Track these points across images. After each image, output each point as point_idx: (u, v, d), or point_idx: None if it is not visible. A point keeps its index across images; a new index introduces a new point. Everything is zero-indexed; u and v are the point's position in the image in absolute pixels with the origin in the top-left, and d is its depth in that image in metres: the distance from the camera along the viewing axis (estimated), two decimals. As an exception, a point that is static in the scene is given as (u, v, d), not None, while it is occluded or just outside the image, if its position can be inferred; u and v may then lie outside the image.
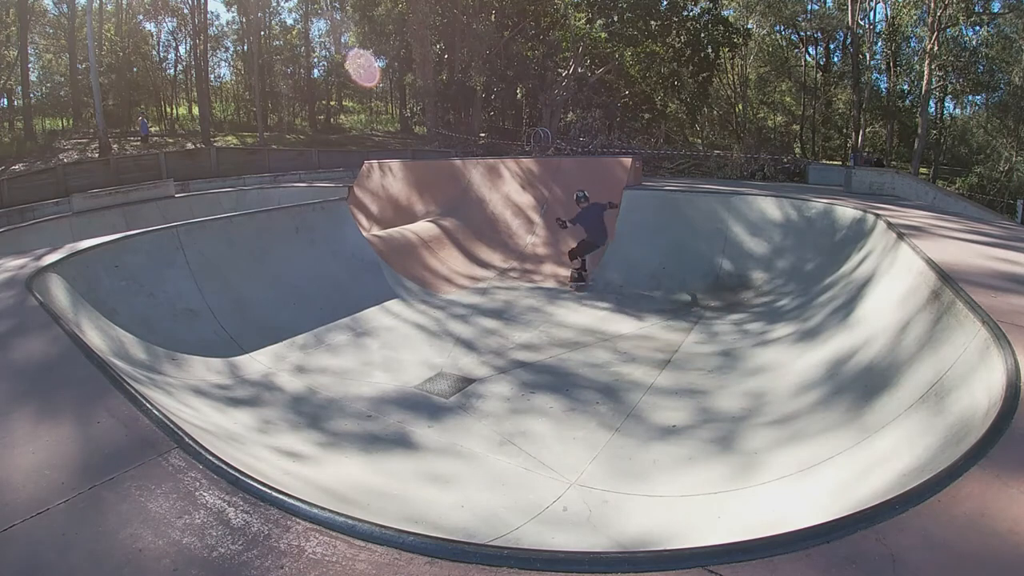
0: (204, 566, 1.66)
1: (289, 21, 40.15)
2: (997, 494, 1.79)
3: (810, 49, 32.13)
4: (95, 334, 4.39)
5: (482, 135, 26.10)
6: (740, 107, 32.36)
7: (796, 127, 32.01)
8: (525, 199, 10.83)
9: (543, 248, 9.87)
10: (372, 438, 4.19)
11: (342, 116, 40.00)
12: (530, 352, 5.96)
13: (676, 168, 20.15)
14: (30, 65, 29.45)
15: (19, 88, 28.52)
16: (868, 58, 27.98)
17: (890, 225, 6.00)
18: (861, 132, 27.22)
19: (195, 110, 35.69)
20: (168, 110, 36.55)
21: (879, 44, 28.17)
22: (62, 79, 31.69)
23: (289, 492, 2.09)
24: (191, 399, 4.20)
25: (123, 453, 2.25)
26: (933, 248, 4.82)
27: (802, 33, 30.75)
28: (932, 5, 23.44)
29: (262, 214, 7.82)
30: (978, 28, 24.80)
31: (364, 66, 31.46)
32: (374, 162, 13.90)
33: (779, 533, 1.81)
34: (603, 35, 22.67)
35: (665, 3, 22.60)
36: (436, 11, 25.92)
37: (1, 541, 1.77)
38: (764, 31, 29.93)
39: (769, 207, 8.45)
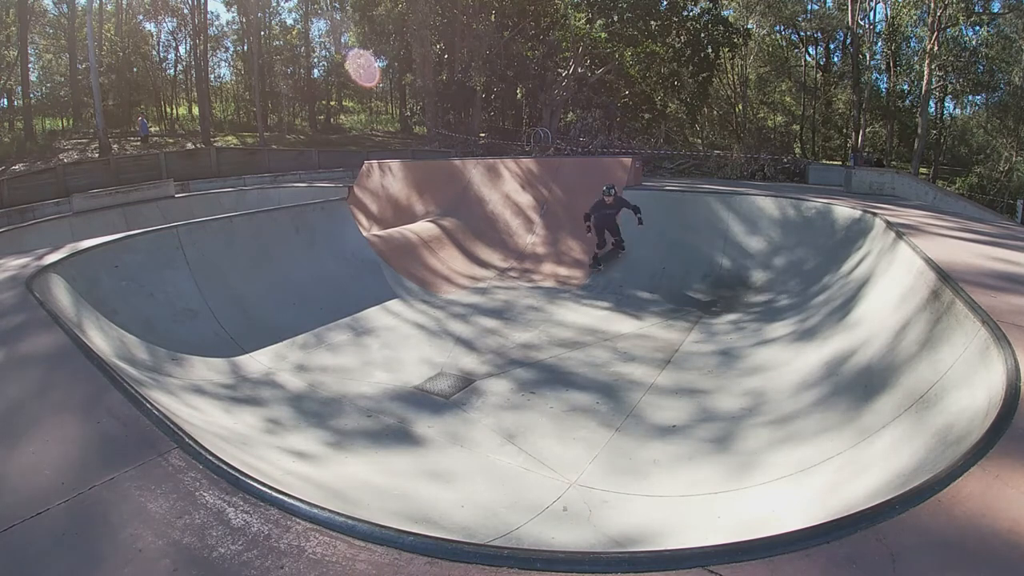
0: (204, 566, 1.66)
1: (289, 21, 40.12)
2: (997, 494, 1.79)
3: (810, 49, 32.11)
4: (96, 334, 4.39)
5: (482, 135, 26.08)
6: (740, 107, 32.30)
7: (796, 127, 31.96)
8: (525, 199, 10.83)
9: (543, 248, 9.87)
10: (373, 437, 4.19)
11: (342, 116, 39.95)
12: (530, 352, 5.96)
13: (676, 168, 20.11)
14: (30, 65, 29.42)
15: (19, 88, 28.47)
16: (868, 58, 27.92)
17: (889, 225, 6.00)
18: (861, 132, 27.18)
19: (195, 110, 35.64)
20: (168, 110, 36.52)
21: (879, 44, 28.11)
22: (62, 79, 31.65)
23: (289, 492, 2.09)
24: (193, 399, 4.20)
25: (123, 453, 2.25)
26: (932, 248, 4.81)
27: (802, 33, 30.69)
28: (932, 5, 23.40)
29: (262, 214, 7.82)
30: (978, 28, 24.77)
31: (364, 66, 31.44)
32: (374, 162, 13.89)
33: (779, 533, 1.81)
34: (603, 35, 22.64)
35: (665, 3, 22.58)
36: (436, 11, 25.89)
37: (1, 541, 1.77)
38: (764, 31, 29.84)
39: (769, 207, 8.45)
